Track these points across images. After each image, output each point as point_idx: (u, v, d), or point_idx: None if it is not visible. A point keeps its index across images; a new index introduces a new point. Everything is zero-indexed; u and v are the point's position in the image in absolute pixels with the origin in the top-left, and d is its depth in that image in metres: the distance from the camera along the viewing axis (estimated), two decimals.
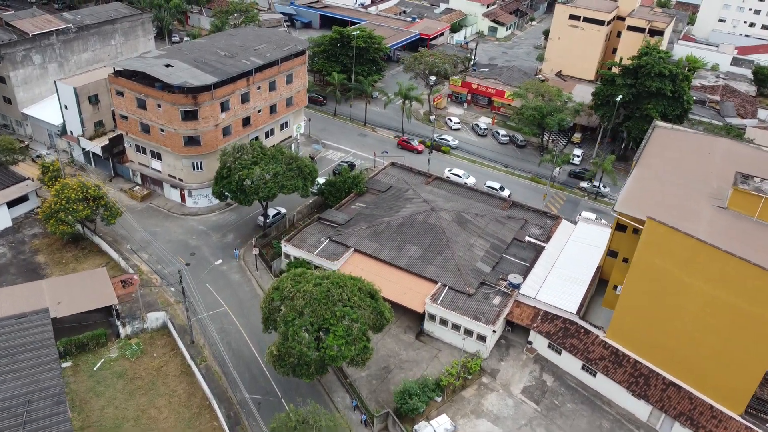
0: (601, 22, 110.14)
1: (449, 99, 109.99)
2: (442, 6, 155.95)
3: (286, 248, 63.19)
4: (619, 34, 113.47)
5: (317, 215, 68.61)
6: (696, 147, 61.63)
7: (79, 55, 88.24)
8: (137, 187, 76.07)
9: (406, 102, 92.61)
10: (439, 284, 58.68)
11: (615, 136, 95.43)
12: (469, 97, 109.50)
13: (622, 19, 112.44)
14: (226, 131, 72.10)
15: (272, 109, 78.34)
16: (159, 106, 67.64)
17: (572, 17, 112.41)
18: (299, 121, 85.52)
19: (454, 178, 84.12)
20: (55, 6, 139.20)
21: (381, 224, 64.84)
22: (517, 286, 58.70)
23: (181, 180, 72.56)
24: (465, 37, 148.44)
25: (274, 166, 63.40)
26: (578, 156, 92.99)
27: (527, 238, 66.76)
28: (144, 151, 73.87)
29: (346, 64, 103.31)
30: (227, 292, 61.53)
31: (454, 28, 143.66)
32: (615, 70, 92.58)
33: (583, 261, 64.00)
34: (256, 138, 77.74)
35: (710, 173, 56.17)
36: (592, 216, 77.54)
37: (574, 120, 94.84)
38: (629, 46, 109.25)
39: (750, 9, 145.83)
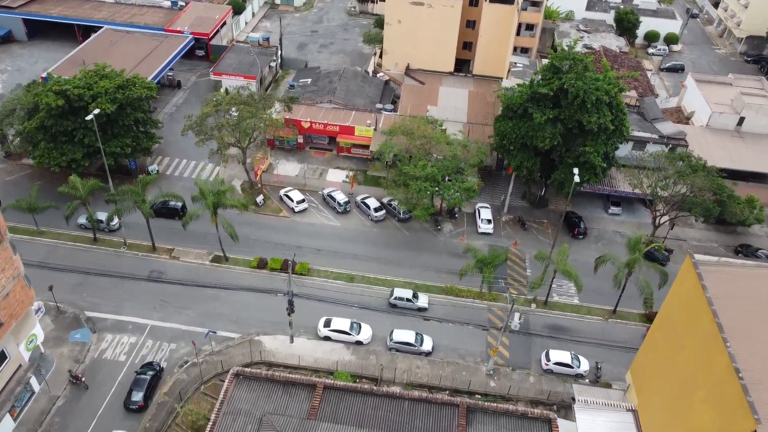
0: None
1: (270, 148, 72.52)
2: None
3: None
4: (472, 2, 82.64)
5: None
6: None
7: None
8: None
9: (219, 212, 54.28)
10: None
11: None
12: (300, 140, 73.17)
13: None
14: None
15: None
16: None
17: None
18: (30, 328, 44.11)
19: (338, 337, 50.91)
20: None
21: None
22: None
23: None
24: (253, 14, 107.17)
25: None
26: (488, 220, 64.02)
27: None
28: None
29: (91, 144, 60.29)
30: None
31: (237, 6, 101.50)
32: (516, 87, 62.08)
33: None
34: None
35: None
36: (565, 356, 50.21)
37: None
38: (493, 22, 79.61)
39: None
